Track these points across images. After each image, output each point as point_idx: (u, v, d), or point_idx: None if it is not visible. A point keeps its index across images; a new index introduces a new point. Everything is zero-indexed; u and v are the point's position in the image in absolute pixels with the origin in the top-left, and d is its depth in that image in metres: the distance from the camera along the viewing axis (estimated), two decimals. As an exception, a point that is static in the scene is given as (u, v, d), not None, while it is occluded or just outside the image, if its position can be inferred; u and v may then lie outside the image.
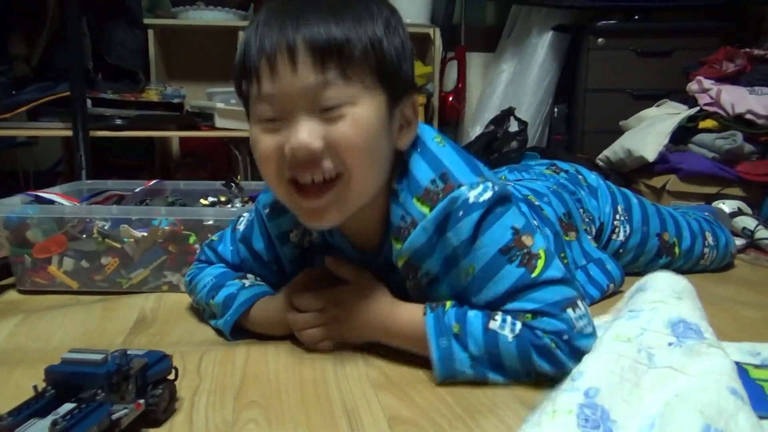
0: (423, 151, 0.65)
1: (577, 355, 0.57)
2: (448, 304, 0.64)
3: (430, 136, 0.67)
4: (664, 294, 0.60)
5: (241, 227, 0.80)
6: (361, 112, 0.58)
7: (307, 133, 0.57)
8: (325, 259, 0.71)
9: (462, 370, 0.60)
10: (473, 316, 0.61)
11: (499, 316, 0.60)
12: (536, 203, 0.86)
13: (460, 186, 0.61)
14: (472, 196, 0.61)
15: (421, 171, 0.64)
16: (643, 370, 0.51)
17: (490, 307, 0.62)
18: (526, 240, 0.62)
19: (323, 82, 0.57)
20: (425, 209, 0.62)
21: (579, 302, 0.61)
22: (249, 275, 0.79)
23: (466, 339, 0.60)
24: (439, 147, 0.66)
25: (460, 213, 0.61)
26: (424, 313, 0.62)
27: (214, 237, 0.84)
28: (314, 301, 0.68)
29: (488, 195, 0.61)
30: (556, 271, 0.61)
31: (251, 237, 0.78)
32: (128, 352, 0.53)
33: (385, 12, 0.61)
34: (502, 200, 0.62)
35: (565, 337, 0.58)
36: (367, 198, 0.64)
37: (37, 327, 0.80)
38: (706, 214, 1.17)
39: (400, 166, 0.65)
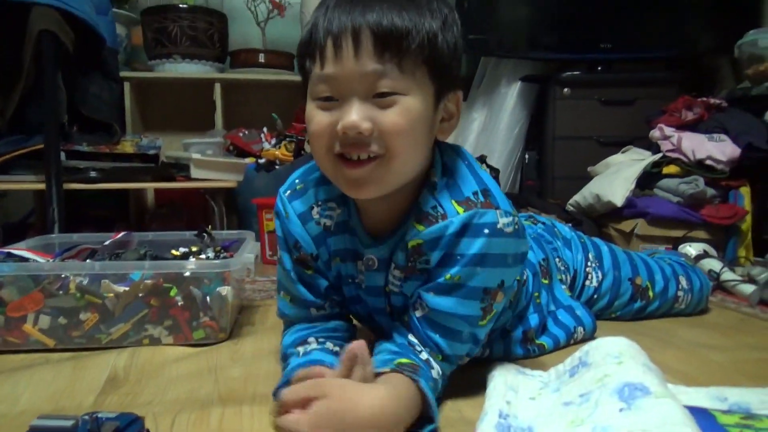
0: (470, 168, 0.71)
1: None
2: (416, 365, 0.65)
3: (473, 158, 0.73)
4: (605, 366, 0.63)
5: (278, 275, 0.80)
6: (410, 103, 0.62)
7: (359, 115, 0.61)
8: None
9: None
10: (426, 371, 0.64)
11: (426, 357, 0.67)
12: None
13: (497, 208, 0.66)
14: (501, 222, 0.66)
15: (467, 182, 0.69)
16: None
17: (434, 315, 0.67)
18: (499, 297, 0.69)
19: (381, 70, 0.61)
20: (460, 210, 0.66)
21: (471, 353, 0.72)
22: (311, 339, 0.75)
23: (436, 390, 0.65)
24: (482, 170, 0.71)
25: (486, 231, 0.65)
26: (420, 386, 0.61)
27: (279, 294, 0.82)
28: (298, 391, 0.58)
29: (511, 230, 0.66)
30: (486, 330, 0.71)
31: (283, 253, 0.78)
32: (99, 416, 0.52)
33: (444, 9, 0.65)
34: (519, 253, 0.69)
35: (449, 376, 0.70)
36: (404, 179, 0.67)
37: (3, 389, 0.77)
38: (683, 259, 1.21)
39: (440, 163, 0.70)
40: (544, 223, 1.07)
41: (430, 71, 0.63)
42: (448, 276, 0.66)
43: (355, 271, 0.76)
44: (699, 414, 0.58)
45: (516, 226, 0.67)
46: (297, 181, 0.78)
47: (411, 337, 0.69)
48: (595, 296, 1.03)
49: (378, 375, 0.62)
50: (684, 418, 0.52)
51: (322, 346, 0.74)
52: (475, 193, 0.67)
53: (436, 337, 0.68)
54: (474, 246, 0.65)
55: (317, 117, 0.64)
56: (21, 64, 1.55)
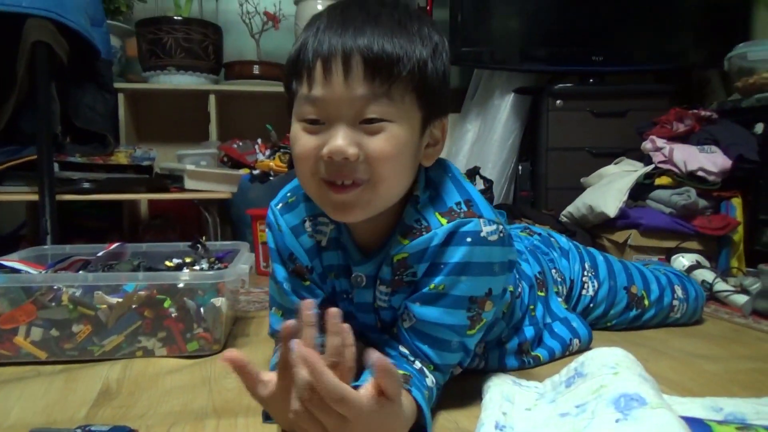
0: (454, 180, 0.71)
1: None
2: (409, 375, 0.65)
3: (458, 171, 0.73)
4: (601, 377, 0.63)
5: (270, 290, 0.80)
6: (397, 130, 0.62)
7: (346, 140, 0.60)
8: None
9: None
10: (420, 382, 0.65)
11: (420, 366, 0.67)
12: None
13: (480, 216, 0.67)
14: (484, 230, 0.66)
15: (450, 194, 0.69)
16: None
17: (420, 326, 0.67)
18: (488, 306, 0.69)
19: (370, 96, 0.60)
20: (443, 221, 0.67)
21: (463, 363, 0.73)
22: None
23: (430, 400, 0.66)
24: (466, 182, 0.72)
25: (468, 239, 0.65)
26: (413, 395, 0.61)
27: (270, 310, 0.82)
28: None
29: (495, 237, 0.67)
30: (476, 340, 0.71)
31: (276, 266, 0.77)
32: (92, 429, 0.52)
33: (435, 37, 0.65)
34: (505, 261, 0.69)
35: (443, 385, 0.71)
36: (389, 202, 0.67)
37: (-6, 402, 0.77)
38: (677, 269, 1.22)
39: (424, 179, 0.70)
40: (540, 234, 1.07)
41: (419, 98, 0.63)
42: (432, 285, 0.66)
43: (349, 286, 0.76)
44: (695, 424, 0.58)
45: (501, 234, 0.67)
46: (288, 194, 0.78)
47: (402, 349, 0.69)
48: (591, 305, 1.03)
49: None
50: (680, 428, 0.53)
51: None
52: (458, 204, 0.68)
53: (425, 348, 0.68)
54: (456, 254, 0.65)
55: (303, 139, 0.63)
56: (14, 74, 1.55)
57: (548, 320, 0.92)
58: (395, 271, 0.69)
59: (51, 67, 1.56)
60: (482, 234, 0.66)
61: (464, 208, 0.67)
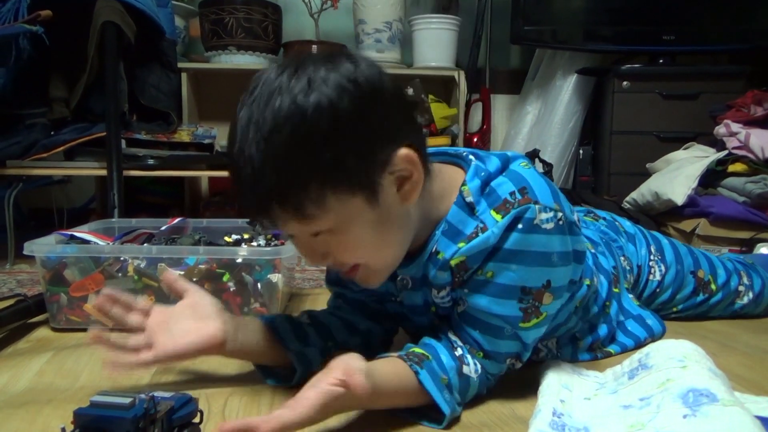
0: (508, 168, 0.67)
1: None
2: (427, 355, 0.64)
3: (517, 161, 0.68)
4: (668, 370, 0.60)
5: None
6: (343, 233, 0.60)
7: (310, 257, 0.64)
8: None
9: (456, 414, 0.63)
10: (447, 363, 0.64)
11: (461, 353, 0.65)
12: (592, 251, 0.87)
13: (536, 202, 0.63)
14: (538, 217, 0.62)
15: (503, 185, 0.65)
16: None
17: (471, 311, 0.66)
18: (547, 299, 0.65)
19: (298, 221, 0.58)
20: (498, 216, 0.63)
21: (521, 356, 0.68)
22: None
23: (451, 387, 0.63)
24: (524, 168, 0.67)
25: (519, 225, 0.62)
26: (416, 372, 0.61)
27: None
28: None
29: (551, 225, 0.63)
30: (535, 334, 0.67)
31: None
32: (155, 396, 0.53)
33: (324, 120, 0.55)
34: (566, 252, 0.65)
35: (498, 376, 0.69)
36: (398, 258, 0.66)
37: (66, 365, 0.81)
38: (743, 257, 1.16)
39: (478, 180, 0.65)
40: (605, 218, 1.02)
41: (342, 191, 0.57)
42: (479, 271, 0.64)
43: (395, 289, 0.75)
44: (771, 424, 0.55)
45: (560, 222, 0.64)
46: None
47: (451, 334, 0.68)
48: (658, 290, 0.99)
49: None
50: (755, 428, 0.49)
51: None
52: (512, 193, 0.64)
53: (475, 333, 0.66)
54: (507, 241, 0.62)
55: (293, 241, 0.65)
56: (86, 56, 1.61)
57: (621, 318, 0.89)
58: (455, 275, 0.66)
59: (119, 47, 1.61)
60: (535, 221, 0.62)
61: (519, 197, 0.63)
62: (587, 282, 0.77)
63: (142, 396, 0.52)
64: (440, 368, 0.63)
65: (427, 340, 0.68)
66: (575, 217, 0.69)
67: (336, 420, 0.60)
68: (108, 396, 0.52)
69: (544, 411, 0.61)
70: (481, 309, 0.65)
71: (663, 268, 0.99)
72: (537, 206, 0.63)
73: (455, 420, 0.63)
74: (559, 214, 0.64)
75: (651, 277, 0.98)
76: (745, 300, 1.05)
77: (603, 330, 0.84)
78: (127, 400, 0.51)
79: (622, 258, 0.94)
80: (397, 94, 0.62)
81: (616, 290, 0.88)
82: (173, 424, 0.53)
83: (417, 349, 0.65)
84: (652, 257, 0.99)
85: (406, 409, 0.63)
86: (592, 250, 0.87)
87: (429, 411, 0.62)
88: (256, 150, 0.56)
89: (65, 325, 0.96)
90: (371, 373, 0.56)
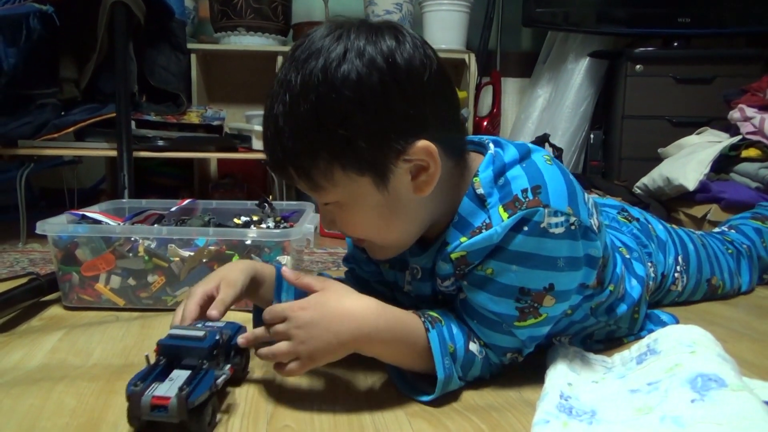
0: (527, 162, 0.64)
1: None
2: (441, 320, 0.64)
3: (539, 153, 0.66)
4: (677, 355, 0.60)
5: None
6: (348, 209, 0.63)
7: (321, 220, 0.68)
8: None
9: (452, 388, 0.64)
10: (457, 334, 0.64)
11: (470, 332, 0.66)
12: (627, 256, 0.85)
13: (546, 206, 0.60)
14: (546, 221, 0.60)
15: (518, 180, 0.62)
16: None
17: (470, 303, 0.65)
18: (548, 301, 0.63)
19: (309, 188, 0.62)
20: (504, 215, 0.61)
21: (522, 352, 0.68)
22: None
23: (455, 357, 0.64)
24: (545, 163, 0.64)
25: (525, 228, 0.60)
26: (427, 329, 0.62)
27: None
28: (277, 312, 0.61)
29: (560, 230, 0.61)
30: (532, 332, 0.66)
31: None
32: (208, 325, 0.63)
33: (347, 94, 0.55)
34: (574, 257, 0.63)
35: (500, 366, 0.69)
36: (404, 243, 0.68)
37: (78, 343, 0.82)
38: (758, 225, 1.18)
39: (491, 170, 0.63)
40: (638, 220, 0.98)
41: (353, 170, 0.59)
42: (480, 267, 0.63)
43: (403, 280, 0.75)
44: (780, 410, 0.55)
45: (572, 227, 0.62)
46: None
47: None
48: (676, 299, 1.01)
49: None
50: (763, 413, 0.49)
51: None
52: (524, 191, 0.61)
53: (473, 324, 0.66)
54: (512, 243, 0.61)
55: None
56: (96, 37, 1.61)
57: (646, 325, 0.86)
58: (456, 268, 0.65)
59: (129, 28, 1.61)
60: (543, 225, 0.60)
61: (530, 197, 0.61)
62: (611, 288, 0.74)
63: (211, 327, 0.62)
64: (449, 336, 0.64)
65: (442, 312, 0.67)
66: (594, 221, 0.66)
67: (344, 395, 0.61)
68: (183, 329, 0.61)
69: (552, 394, 0.61)
70: (477, 303, 0.65)
71: (686, 279, 0.99)
72: (546, 210, 0.60)
73: (456, 397, 0.64)
74: (572, 219, 0.62)
75: (673, 287, 0.98)
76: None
77: (623, 333, 0.82)
78: (200, 333, 0.60)
79: (649, 264, 0.91)
80: (437, 84, 0.60)
81: (646, 297, 0.86)
82: (231, 349, 0.64)
83: (433, 313, 0.65)
84: (678, 268, 0.98)
85: (402, 380, 0.65)
86: (627, 256, 0.85)
87: (426, 387, 0.63)
88: (282, 110, 0.58)
89: (77, 303, 0.97)
90: (385, 312, 0.61)
